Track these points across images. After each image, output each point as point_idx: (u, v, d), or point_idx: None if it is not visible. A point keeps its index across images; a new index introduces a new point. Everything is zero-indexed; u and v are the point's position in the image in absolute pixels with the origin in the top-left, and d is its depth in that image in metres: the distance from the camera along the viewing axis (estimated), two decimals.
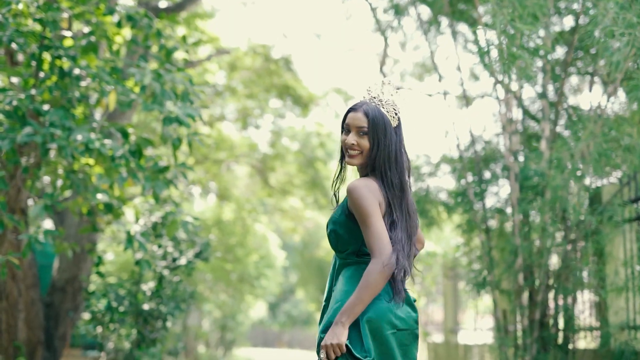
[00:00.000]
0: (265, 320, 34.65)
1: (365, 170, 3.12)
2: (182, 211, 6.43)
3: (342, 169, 3.24)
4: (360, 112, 3.06)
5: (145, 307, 7.19)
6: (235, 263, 15.93)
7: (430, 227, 8.40)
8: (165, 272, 7.32)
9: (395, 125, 3.10)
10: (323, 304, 3.15)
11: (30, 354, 8.79)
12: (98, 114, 7.82)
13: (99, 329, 7.22)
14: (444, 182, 8.57)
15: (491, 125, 7.85)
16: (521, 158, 7.21)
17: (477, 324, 12.22)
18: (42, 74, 6.04)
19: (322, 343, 2.87)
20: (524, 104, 7.45)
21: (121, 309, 7.13)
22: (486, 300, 11.99)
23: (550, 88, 7.08)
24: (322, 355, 2.87)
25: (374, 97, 3.11)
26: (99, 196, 6.57)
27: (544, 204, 6.52)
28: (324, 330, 2.94)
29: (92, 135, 5.60)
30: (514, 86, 7.08)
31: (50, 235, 5.70)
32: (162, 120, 5.67)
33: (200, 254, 7.39)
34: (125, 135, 5.96)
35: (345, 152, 3.12)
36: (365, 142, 3.06)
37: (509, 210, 7.25)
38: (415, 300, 3.09)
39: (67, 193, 6.98)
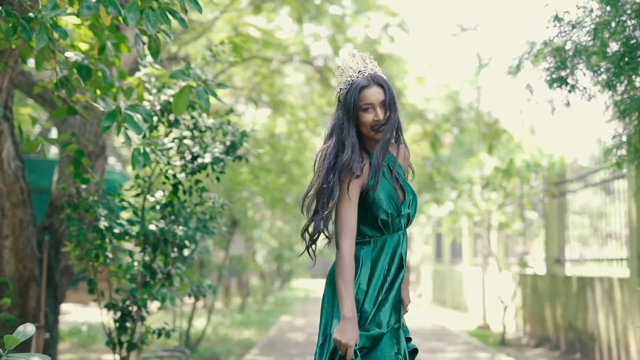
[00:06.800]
0: (325, 251, 32.62)
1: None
2: (197, 74, 4.03)
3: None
4: (374, 86, 3.09)
5: (153, 227, 4.85)
6: (291, 184, 13.61)
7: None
8: (182, 176, 4.95)
9: None
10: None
11: (21, 293, 6.65)
12: None
13: (83, 261, 4.93)
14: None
15: None
16: None
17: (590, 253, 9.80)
18: None
19: None
20: None
21: (116, 230, 4.82)
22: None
23: None
24: None
25: (361, 72, 3.12)
26: (69, 54, 4.23)
27: None
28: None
29: None
30: None
31: None
32: None
33: (232, 148, 4.98)
34: None
35: (367, 132, 3.09)
36: (384, 113, 3.09)
37: None
38: None
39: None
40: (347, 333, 2.88)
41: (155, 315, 12.38)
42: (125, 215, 8.69)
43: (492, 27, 34.61)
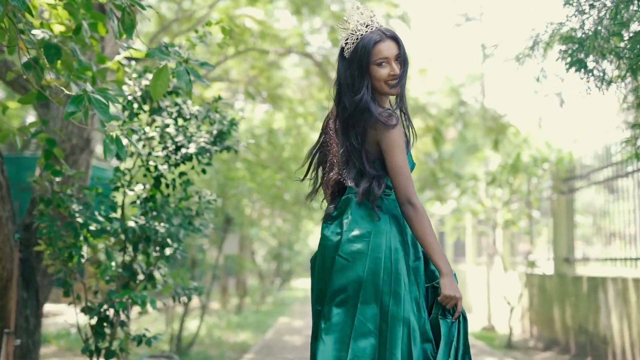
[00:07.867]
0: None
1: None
2: (178, 52, 3.61)
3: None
4: (387, 40, 2.99)
5: (132, 224, 4.43)
6: (289, 180, 13.17)
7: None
8: (164, 168, 4.54)
9: None
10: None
11: (0, 295, 6.25)
12: None
13: (56, 262, 4.51)
14: None
15: None
16: None
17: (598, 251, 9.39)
18: None
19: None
20: None
21: (92, 227, 4.40)
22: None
23: None
24: None
25: (368, 25, 3.00)
26: (36, 32, 3.82)
27: None
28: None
29: None
30: None
31: None
32: None
33: (220, 138, 4.55)
34: None
35: (381, 87, 3.00)
36: (399, 67, 3.02)
37: None
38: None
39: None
40: (455, 286, 2.87)
41: (147, 317, 11.97)
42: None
43: (498, 15, 34.05)
